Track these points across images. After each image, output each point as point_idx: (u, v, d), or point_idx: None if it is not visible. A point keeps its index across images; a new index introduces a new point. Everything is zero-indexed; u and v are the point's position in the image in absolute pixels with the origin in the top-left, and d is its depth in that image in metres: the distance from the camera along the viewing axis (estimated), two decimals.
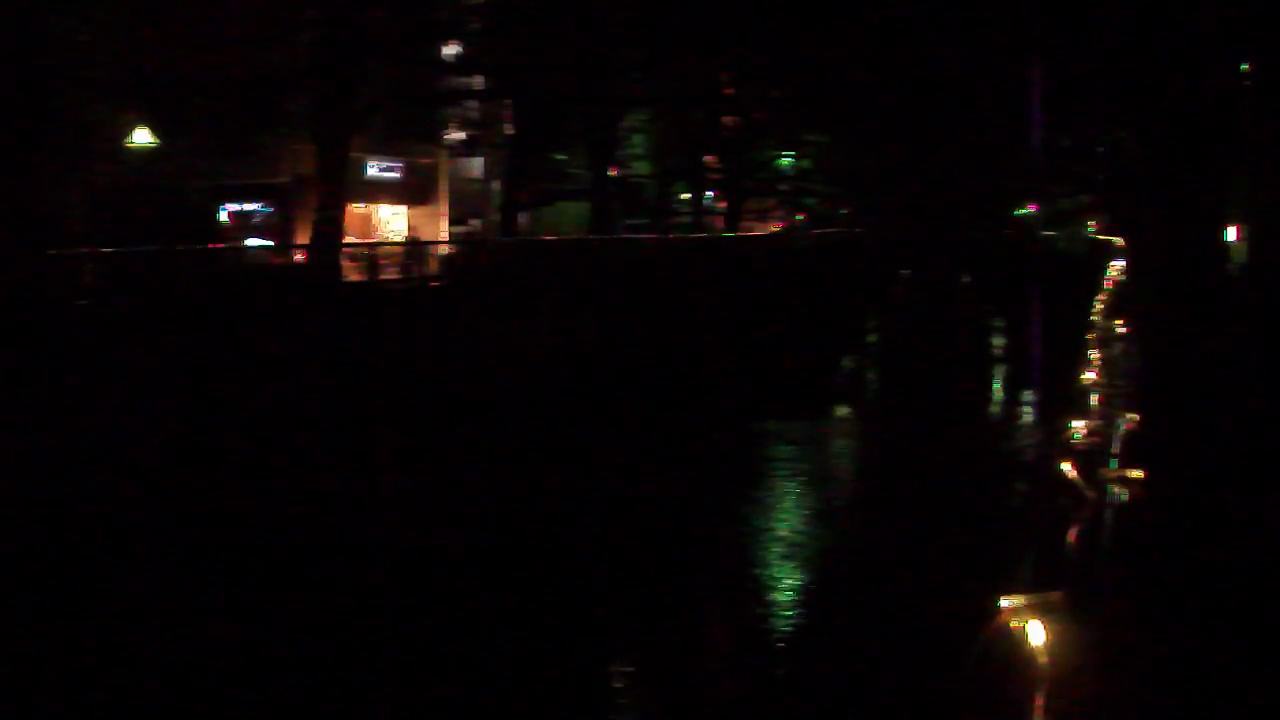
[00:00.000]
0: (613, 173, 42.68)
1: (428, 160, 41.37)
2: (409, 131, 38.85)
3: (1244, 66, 20.80)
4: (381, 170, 39.06)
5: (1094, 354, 18.54)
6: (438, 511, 16.36)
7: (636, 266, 35.03)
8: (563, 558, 14.82)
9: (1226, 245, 24.28)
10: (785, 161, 64.91)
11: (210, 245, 25.06)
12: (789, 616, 13.18)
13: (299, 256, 25.83)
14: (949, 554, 14.87)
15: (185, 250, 21.19)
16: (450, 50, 34.95)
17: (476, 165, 51.59)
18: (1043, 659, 5.25)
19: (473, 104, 45.66)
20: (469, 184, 49.95)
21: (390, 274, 26.48)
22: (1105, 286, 34.45)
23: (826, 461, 22.19)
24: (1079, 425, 11.12)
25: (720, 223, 58.27)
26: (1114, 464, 9.72)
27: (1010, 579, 6.94)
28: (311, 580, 13.40)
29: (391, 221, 41.24)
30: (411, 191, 41.03)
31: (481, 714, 10.70)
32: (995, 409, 29.18)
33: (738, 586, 14.39)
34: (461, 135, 49.46)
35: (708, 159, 55.05)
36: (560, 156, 49.00)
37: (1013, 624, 5.51)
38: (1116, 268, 41.88)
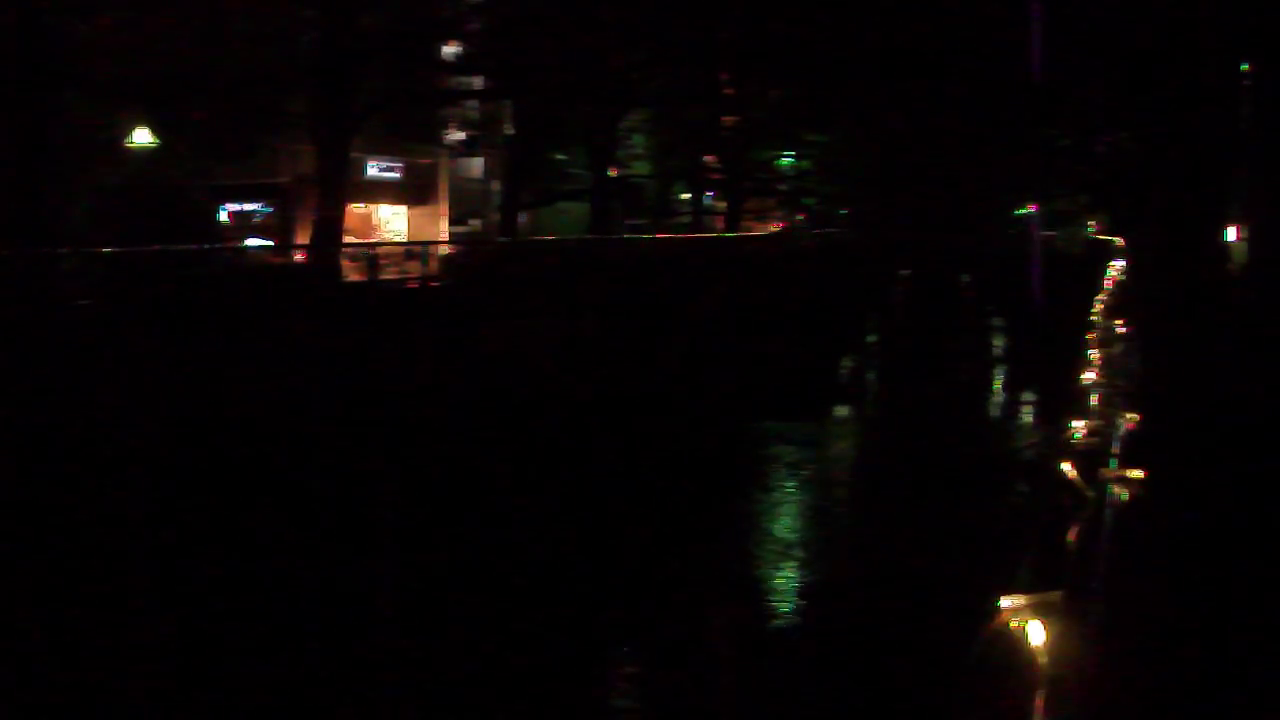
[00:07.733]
0: (613, 173, 42.65)
1: (428, 160, 41.35)
2: (409, 131, 38.83)
3: (1244, 66, 20.80)
4: (381, 170, 39.08)
5: (1094, 354, 18.53)
6: (436, 512, 16.36)
7: (636, 266, 35.02)
8: (562, 558, 14.82)
9: (1226, 245, 24.30)
10: (785, 161, 64.91)
11: (210, 245, 25.05)
12: (788, 616, 13.18)
13: (299, 256, 25.84)
14: (949, 554, 14.87)
15: (185, 250, 21.19)
16: (450, 50, 34.95)
17: (476, 165, 51.61)
18: (1043, 659, 5.25)
19: (473, 104, 45.66)
20: (469, 184, 49.96)
21: (390, 274, 26.49)
22: (1105, 286, 34.43)
23: (826, 462, 22.18)
24: (1079, 425, 11.11)
25: (720, 223, 58.25)
26: (1114, 464, 9.71)
27: (1010, 579, 6.93)
28: (309, 579, 13.39)
29: (391, 221, 41.25)
30: (411, 191, 41.04)
31: (480, 713, 10.70)
32: (995, 409, 29.18)
33: (737, 586, 14.40)
34: (461, 135, 49.46)
35: (708, 159, 55.03)
36: (560, 156, 48.98)
37: (1013, 624, 5.51)
38: (1116, 268, 41.90)
